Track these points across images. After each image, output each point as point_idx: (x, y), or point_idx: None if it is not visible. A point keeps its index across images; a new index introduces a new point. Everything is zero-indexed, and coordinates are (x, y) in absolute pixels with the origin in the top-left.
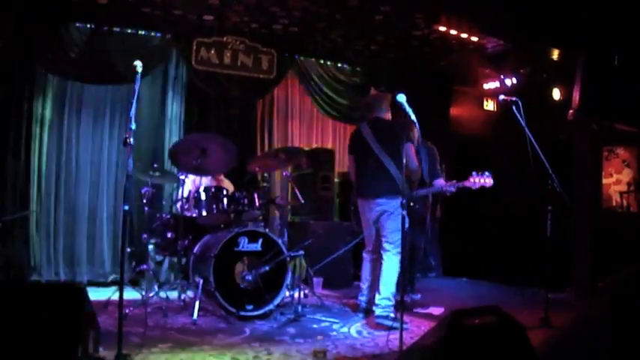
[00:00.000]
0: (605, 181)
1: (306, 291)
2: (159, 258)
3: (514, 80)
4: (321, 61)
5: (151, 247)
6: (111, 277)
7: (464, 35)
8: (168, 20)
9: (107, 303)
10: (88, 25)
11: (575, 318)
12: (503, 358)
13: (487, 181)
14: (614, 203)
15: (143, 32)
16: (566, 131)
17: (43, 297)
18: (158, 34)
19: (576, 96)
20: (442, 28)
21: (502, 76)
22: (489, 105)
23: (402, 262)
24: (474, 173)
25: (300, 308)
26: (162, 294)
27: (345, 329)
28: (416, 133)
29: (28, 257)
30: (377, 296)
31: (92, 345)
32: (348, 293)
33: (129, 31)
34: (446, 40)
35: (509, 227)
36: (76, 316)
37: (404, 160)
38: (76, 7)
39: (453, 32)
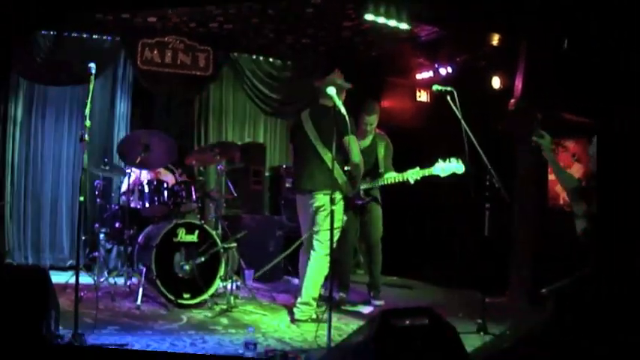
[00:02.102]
0: (551, 177)
1: (239, 283)
2: (108, 246)
3: (449, 69)
4: (254, 57)
5: (101, 235)
6: (69, 262)
7: (395, 24)
8: (117, 24)
9: (65, 286)
10: (52, 32)
11: (513, 326)
12: None
13: (458, 165)
14: (561, 201)
15: (96, 36)
16: (507, 122)
17: (13, 278)
18: (109, 38)
19: (519, 84)
20: (371, 17)
21: (436, 66)
22: (422, 96)
23: (331, 261)
24: (440, 160)
25: (232, 299)
26: (111, 280)
27: (275, 322)
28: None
29: (3, 243)
30: (299, 298)
31: (53, 323)
32: (278, 287)
33: (85, 35)
34: (377, 30)
35: (446, 225)
36: (41, 296)
37: (349, 154)
38: (44, 15)
39: (383, 21)
